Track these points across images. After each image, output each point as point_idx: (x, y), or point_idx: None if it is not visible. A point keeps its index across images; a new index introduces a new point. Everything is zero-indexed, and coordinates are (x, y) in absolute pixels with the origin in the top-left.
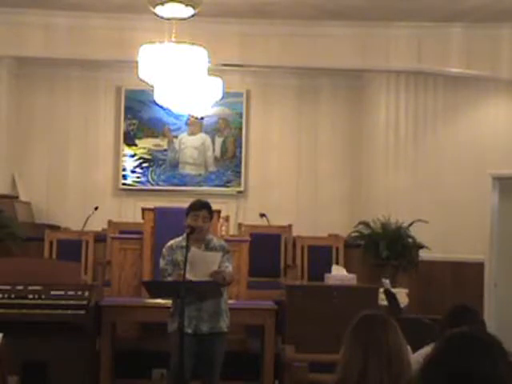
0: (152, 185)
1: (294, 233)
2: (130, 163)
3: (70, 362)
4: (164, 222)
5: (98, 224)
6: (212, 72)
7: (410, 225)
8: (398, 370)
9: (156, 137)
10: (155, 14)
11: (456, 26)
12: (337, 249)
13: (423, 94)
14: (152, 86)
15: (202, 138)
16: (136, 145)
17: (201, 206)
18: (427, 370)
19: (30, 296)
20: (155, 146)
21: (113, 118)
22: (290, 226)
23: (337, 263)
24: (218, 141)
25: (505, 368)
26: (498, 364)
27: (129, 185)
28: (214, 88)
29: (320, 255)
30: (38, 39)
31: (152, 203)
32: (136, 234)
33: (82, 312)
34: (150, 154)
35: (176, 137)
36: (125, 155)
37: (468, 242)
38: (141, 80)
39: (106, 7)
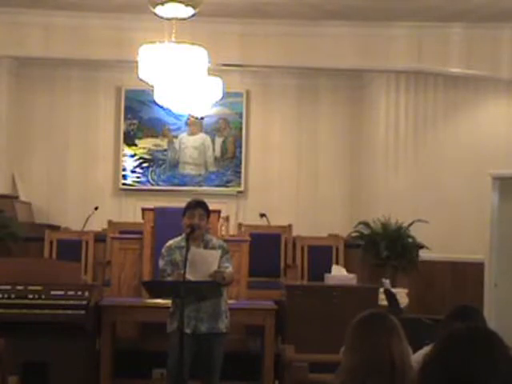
0: (152, 185)
1: (294, 233)
2: (129, 163)
3: (70, 362)
4: (164, 221)
5: (97, 224)
6: (212, 72)
7: (410, 225)
8: (401, 371)
9: (156, 137)
10: (155, 14)
11: (456, 26)
12: (337, 249)
13: (423, 94)
14: (152, 86)
15: (202, 138)
16: (136, 145)
17: (196, 205)
18: (427, 368)
19: (30, 296)
20: (155, 146)
21: (113, 118)
22: (290, 226)
23: (337, 263)
24: (218, 141)
25: (505, 365)
26: (499, 361)
27: (129, 185)
28: (214, 88)
29: (320, 255)
30: (38, 39)
31: (152, 203)
32: (136, 234)
33: (82, 312)
34: (150, 154)
35: (176, 137)
36: (125, 155)
37: (468, 242)
38: (141, 80)
39: (105, 7)
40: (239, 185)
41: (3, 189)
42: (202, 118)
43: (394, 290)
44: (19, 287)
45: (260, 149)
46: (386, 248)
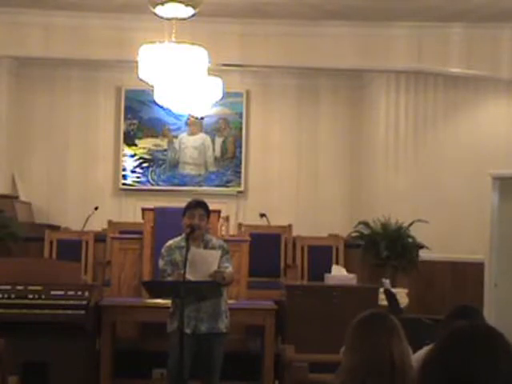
0: (152, 185)
1: (294, 233)
2: (129, 163)
3: (70, 362)
4: (164, 221)
5: (97, 224)
6: (212, 72)
7: (410, 225)
8: (401, 371)
9: (156, 137)
10: (155, 14)
11: (456, 26)
12: (337, 249)
13: (423, 94)
14: (152, 86)
15: (201, 138)
16: (136, 145)
17: (196, 205)
18: (427, 368)
19: (30, 296)
20: (155, 146)
21: (113, 118)
22: (290, 226)
23: (337, 263)
24: (218, 141)
25: (506, 365)
26: (500, 361)
27: (129, 185)
28: (214, 88)
29: (320, 255)
30: (38, 39)
31: (152, 203)
32: (136, 233)
33: (82, 312)
34: (150, 154)
35: (176, 137)
36: (125, 155)
37: (468, 242)
38: (141, 80)
39: (105, 7)
40: (239, 185)
41: (3, 189)
42: (202, 118)
43: (394, 290)
44: (19, 287)
45: (260, 149)
46: (386, 248)
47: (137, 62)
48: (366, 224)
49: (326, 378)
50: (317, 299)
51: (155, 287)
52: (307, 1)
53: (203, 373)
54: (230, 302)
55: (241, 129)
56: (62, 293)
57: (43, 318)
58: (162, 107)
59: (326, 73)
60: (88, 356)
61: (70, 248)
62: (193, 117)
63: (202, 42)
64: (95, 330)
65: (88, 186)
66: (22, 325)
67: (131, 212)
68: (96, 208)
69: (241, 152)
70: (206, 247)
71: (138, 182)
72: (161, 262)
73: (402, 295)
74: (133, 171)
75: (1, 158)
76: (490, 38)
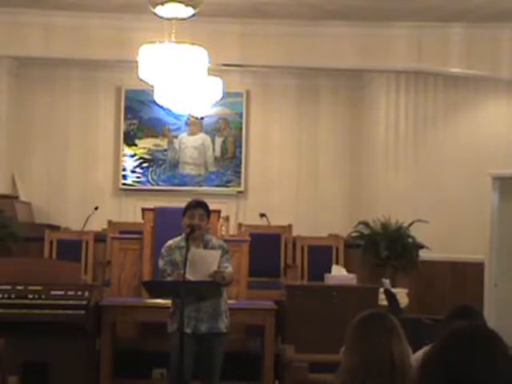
0: (152, 185)
1: (294, 233)
2: (129, 163)
3: (70, 362)
4: (164, 221)
5: (97, 224)
6: (212, 72)
7: (410, 225)
8: (401, 371)
9: (156, 137)
10: (155, 14)
11: (456, 26)
12: (337, 249)
13: (423, 94)
14: (152, 86)
15: (201, 138)
16: (136, 145)
17: (196, 205)
18: (427, 368)
19: (30, 296)
20: (155, 146)
21: (113, 118)
22: (290, 226)
23: (337, 263)
24: (218, 141)
25: (505, 365)
26: (499, 361)
27: (129, 185)
28: (214, 88)
29: (320, 255)
30: (38, 39)
31: (152, 203)
32: (136, 233)
33: (82, 312)
34: (150, 154)
35: (176, 137)
36: (125, 155)
37: (468, 242)
38: (141, 80)
39: (105, 7)
40: (239, 185)
41: (3, 189)
42: (202, 118)
43: (394, 290)
44: (19, 287)
45: (260, 149)
46: (386, 248)
47: (137, 62)
48: (366, 224)
49: (326, 378)
50: (317, 299)
51: (155, 287)
52: (307, 1)
53: (203, 373)
54: (230, 302)
55: (241, 129)
56: (62, 293)
57: (43, 317)
58: (162, 107)
59: (326, 73)
60: (88, 356)
61: (70, 248)
62: (193, 117)
63: (202, 42)
64: (95, 330)
65: (88, 186)
66: (22, 325)
67: (131, 212)
68: (96, 208)
69: (241, 152)
70: (205, 247)
71: (138, 182)
72: (161, 262)
73: (402, 295)
74: (133, 171)
75: (1, 158)
76: (490, 38)
